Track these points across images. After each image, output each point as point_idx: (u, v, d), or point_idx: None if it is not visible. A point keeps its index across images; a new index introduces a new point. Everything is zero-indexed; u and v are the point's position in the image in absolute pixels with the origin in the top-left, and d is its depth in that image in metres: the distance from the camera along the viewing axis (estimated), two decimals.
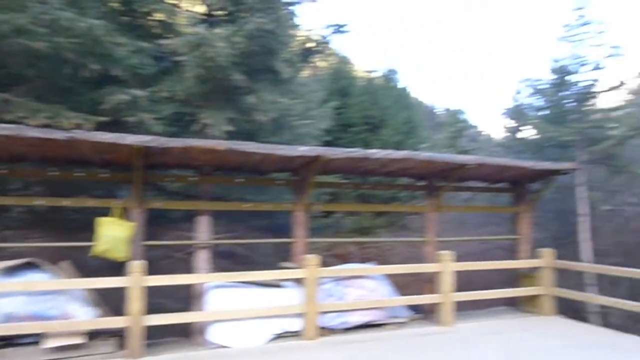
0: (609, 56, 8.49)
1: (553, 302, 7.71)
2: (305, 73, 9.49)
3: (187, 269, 6.79)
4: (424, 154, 6.78)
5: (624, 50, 8.66)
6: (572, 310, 8.40)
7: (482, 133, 15.85)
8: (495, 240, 10.28)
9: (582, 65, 8.86)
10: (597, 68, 8.74)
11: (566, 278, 8.54)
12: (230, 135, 6.57)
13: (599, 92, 9.13)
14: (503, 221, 10.16)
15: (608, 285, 8.86)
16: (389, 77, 18.86)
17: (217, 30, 5.81)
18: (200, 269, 6.52)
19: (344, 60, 17.96)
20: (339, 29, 7.85)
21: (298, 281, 6.40)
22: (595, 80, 8.83)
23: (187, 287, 6.49)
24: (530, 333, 6.68)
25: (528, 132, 10.57)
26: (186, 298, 6.60)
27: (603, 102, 9.54)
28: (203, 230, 6.54)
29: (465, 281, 8.86)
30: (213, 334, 5.93)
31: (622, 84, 8.56)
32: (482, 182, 8.78)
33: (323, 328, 6.36)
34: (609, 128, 8.08)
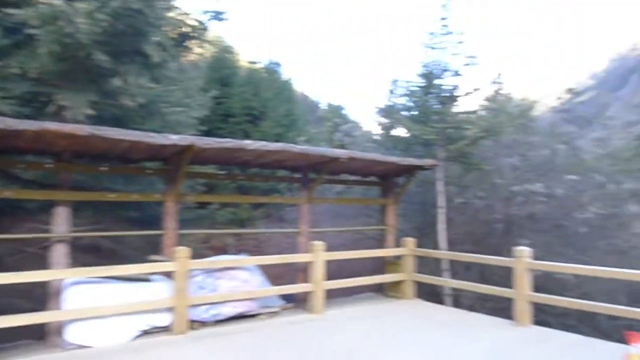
0: (466, 64, 9.43)
1: (414, 287, 8.39)
2: (183, 59, 9.11)
3: (43, 264, 6.18)
4: (298, 147, 6.92)
5: (480, 60, 9.69)
6: (431, 294, 9.23)
7: (360, 129, 16.59)
8: (367, 231, 10.87)
9: (445, 71, 9.71)
10: (456, 74, 9.64)
11: (427, 264, 9.36)
12: (95, 120, 6.08)
13: (459, 97, 10.09)
14: (375, 213, 10.79)
15: (462, 270, 9.86)
16: (273, 69, 18.89)
17: (78, 5, 5.31)
18: (57, 265, 5.96)
19: (226, 49, 17.58)
20: (217, 15, 7.67)
21: (168, 274, 6.18)
22: (456, 86, 9.75)
23: (44, 285, 5.92)
24: (392, 316, 7.21)
25: (399, 130, 11.31)
26: (43, 297, 6.02)
27: (462, 105, 10.57)
28: (61, 223, 5.98)
29: (338, 270, 9.29)
30: (71, 334, 5.50)
31: (476, 90, 9.55)
32: (355, 176, 9.23)
33: (194, 321, 6.23)
34: (465, 129, 8.96)
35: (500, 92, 15.27)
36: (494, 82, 12.44)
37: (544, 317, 8.65)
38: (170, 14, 7.41)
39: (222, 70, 15.94)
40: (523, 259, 6.59)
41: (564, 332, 6.48)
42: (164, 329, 6.02)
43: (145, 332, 5.95)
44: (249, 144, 6.33)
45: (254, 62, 19.04)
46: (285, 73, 23.42)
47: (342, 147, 10.60)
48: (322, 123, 16.18)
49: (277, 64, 19.46)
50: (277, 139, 13.95)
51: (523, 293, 6.54)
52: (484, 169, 9.13)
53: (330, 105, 26.40)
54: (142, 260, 6.61)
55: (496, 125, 8.88)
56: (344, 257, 8.12)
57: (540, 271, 7.86)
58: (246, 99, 15.40)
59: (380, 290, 8.87)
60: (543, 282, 8.61)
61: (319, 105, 32.59)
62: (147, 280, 6.32)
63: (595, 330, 8.27)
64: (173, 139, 5.73)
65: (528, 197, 8.60)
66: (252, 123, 15.07)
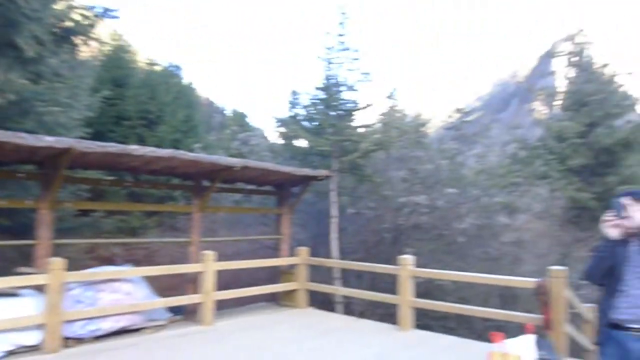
0: (360, 81, 9.86)
1: (307, 295, 8.50)
2: (70, 56, 8.47)
3: None
4: (189, 154, 6.73)
5: (376, 77, 10.18)
6: (325, 302, 9.43)
7: (263, 137, 16.56)
8: (264, 240, 10.86)
9: (341, 85, 10.05)
10: (352, 89, 10.03)
11: (321, 273, 9.55)
12: None
13: (354, 111, 10.51)
14: (272, 222, 10.82)
15: (354, 278, 10.18)
16: (173, 72, 18.27)
17: None
18: None
19: (122, 49, 16.67)
20: (107, 12, 7.26)
21: (40, 288, 5.65)
22: (351, 100, 10.14)
23: None
24: (283, 325, 7.24)
25: (300, 141, 11.47)
26: None
27: (358, 119, 11.01)
28: None
29: (234, 280, 9.16)
30: None
31: (369, 105, 10.00)
32: (251, 185, 9.19)
33: (69, 338, 5.77)
34: (358, 142, 9.33)
35: (395, 108, 16.17)
36: (389, 98, 13.13)
37: (427, 321, 9.21)
38: (55, 7, 6.88)
39: (117, 70, 15.08)
40: (407, 266, 6.95)
41: (443, 335, 6.94)
42: (33, 348, 5.50)
43: (11, 353, 5.39)
44: (135, 149, 6.03)
45: (153, 64, 18.26)
46: (186, 77, 22.78)
47: (239, 155, 10.50)
48: (223, 130, 15.92)
49: (178, 67, 18.90)
50: (175, 145, 13.48)
51: (406, 299, 6.89)
52: (375, 180, 9.57)
53: (235, 112, 26.12)
54: (11, 273, 6.01)
55: (387, 139, 9.36)
56: (235, 266, 8.02)
57: (423, 278, 8.40)
58: (142, 101, 14.69)
59: (275, 299, 8.87)
60: (427, 288, 9.21)
61: (224, 112, 32.11)
62: (14, 295, 5.74)
63: (471, 331, 8.97)
64: (48, 140, 5.30)
65: (414, 208, 9.17)
66: (147, 127, 14.39)
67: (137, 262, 9.22)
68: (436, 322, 9.29)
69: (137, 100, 14.60)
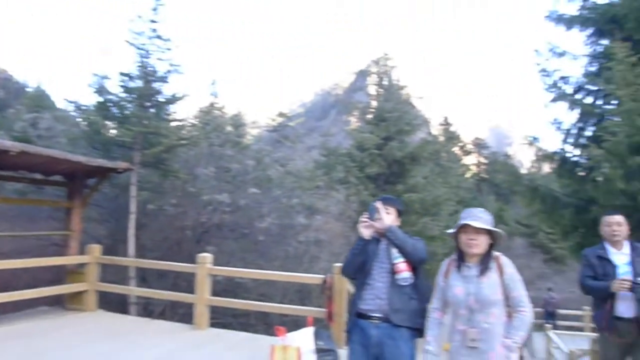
0: (169, 72, 9.45)
1: (97, 297, 7.82)
2: None
3: None
4: None
5: (192, 70, 9.88)
6: (120, 304, 8.81)
7: (63, 122, 14.76)
8: (54, 236, 9.68)
9: (151, 75, 9.51)
10: (162, 80, 9.56)
11: (119, 273, 8.90)
12: None
13: (167, 103, 10.04)
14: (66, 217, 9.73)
15: (155, 277, 9.73)
16: None
17: None
18: None
19: None
20: None
21: None
22: (160, 91, 9.65)
23: None
24: (67, 330, 6.55)
25: (105, 129, 10.51)
26: None
27: (171, 112, 10.55)
28: None
29: (8, 281, 7.93)
30: None
31: (181, 98, 9.63)
32: (36, 173, 8.11)
33: None
34: (164, 136, 8.94)
35: (216, 105, 16.01)
36: (210, 95, 12.91)
37: (229, 319, 9.31)
38: None
39: None
40: (205, 265, 6.88)
41: (236, 332, 7.05)
42: None
43: None
44: None
45: None
46: None
47: (24, 140, 9.19)
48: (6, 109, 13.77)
49: None
50: None
51: (203, 298, 6.82)
52: (180, 176, 9.29)
53: (37, 90, 23.01)
54: None
55: (197, 135, 9.17)
56: (8, 266, 6.96)
57: (222, 276, 8.44)
58: None
59: (60, 302, 7.96)
60: (228, 286, 9.29)
61: (27, 89, 28.12)
62: None
63: (269, 327, 9.33)
64: None
65: (217, 207, 9.16)
66: None
67: None
68: (237, 319, 9.44)
69: None
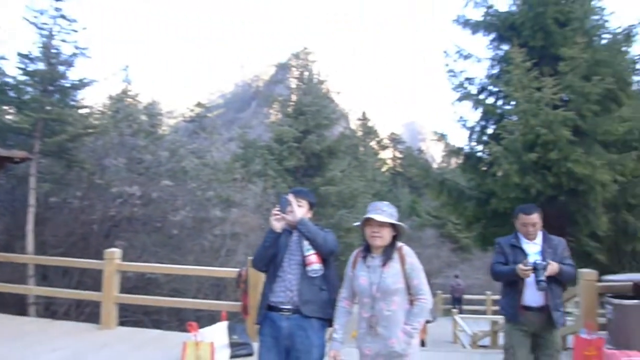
0: (75, 55, 8.82)
1: None
2: None
3: None
4: None
5: (91, 53, 9.18)
6: (17, 305, 8.13)
7: None
8: None
9: (54, 57, 8.82)
10: (67, 64, 8.90)
11: (14, 271, 8.20)
12: None
13: (73, 88, 9.35)
14: None
15: (60, 275, 9.07)
16: None
17: None
18: None
19: None
20: None
21: None
22: (65, 76, 8.98)
23: None
24: None
25: (3, 114, 9.56)
26: None
27: (79, 98, 9.86)
28: None
29: None
30: None
31: (85, 83, 9.01)
32: None
33: None
34: (68, 123, 8.33)
35: (128, 92, 15.21)
36: (123, 82, 12.22)
37: (140, 316, 8.92)
38: None
39: None
40: (113, 260, 6.53)
41: (147, 330, 6.79)
42: None
43: None
44: None
45: None
46: None
47: None
48: None
49: None
50: None
51: (110, 295, 6.48)
52: (86, 167, 8.71)
53: None
54: None
55: (106, 123, 8.65)
56: None
57: (133, 272, 8.07)
58: None
59: None
60: (139, 282, 8.91)
61: None
62: None
63: (182, 323, 9.06)
64: None
65: (128, 199, 8.72)
66: None
67: None
68: (149, 317, 9.07)
69: None
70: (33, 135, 8.37)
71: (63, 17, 8.63)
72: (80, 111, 9.21)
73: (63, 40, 8.65)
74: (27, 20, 8.82)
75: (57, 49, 8.92)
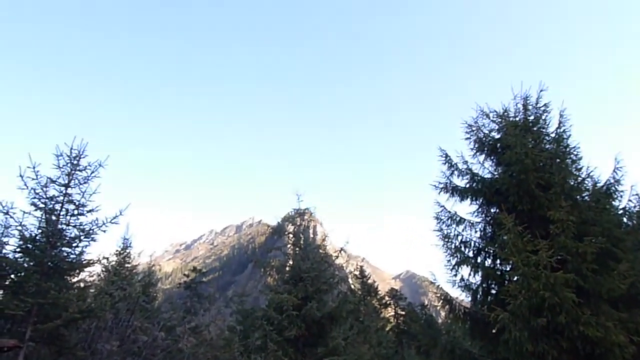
0: (79, 238, 9.00)
1: None
2: None
3: None
4: None
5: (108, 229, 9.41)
6: None
7: None
8: None
9: (57, 238, 9.00)
10: (69, 245, 9.03)
11: None
12: None
13: (73, 269, 9.34)
14: None
15: None
16: None
17: None
18: None
19: None
20: None
21: None
22: (65, 257, 9.05)
23: None
24: None
25: None
26: None
27: (74, 277, 9.79)
28: None
29: None
30: None
31: (85, 264, 9.06)
32: None
33: None
34: (64, 307, 8.13)
35: (126, 264, 15.17)
36: (120, 254, 12.27)
37: None
38: None
39: None
40: None
41: None
42: None
43: None
44: None
45: None
46: None
47: None
48: None
49: None
50: None
51: None
52: (78, 354, 8.26)
53: None
54: None
55: (102, 305, 8.45)
56: None
57: None
58: None
59: None
60: None
61: None
62: None
63: None
64: None
65: None
66: None
67: None
68: None
69: None
70: (26, 321, 8.10)
71: (72, 202, 9.03)
72: (76, 292, 9.06)
73: (67, 224, 8.92)
74: (35, 205, 9.23)
75: (61, 230, 9.17)
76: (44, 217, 9.15)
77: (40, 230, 9.00)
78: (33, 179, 9.11)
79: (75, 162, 9.69)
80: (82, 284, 9.80)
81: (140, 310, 10.83)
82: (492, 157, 11.31)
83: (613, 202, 10.45)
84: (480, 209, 10.87)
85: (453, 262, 10.33)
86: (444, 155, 11.53)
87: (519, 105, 11.45)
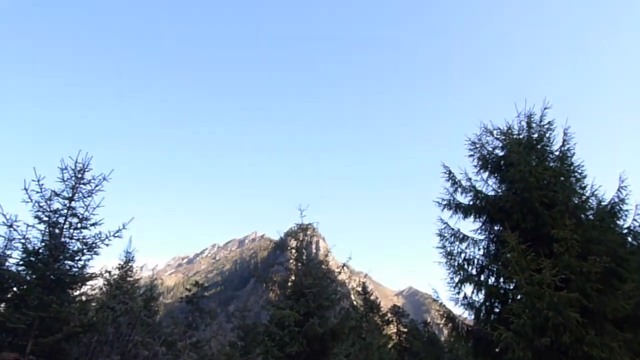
0: (82, 252, 9.03)
1: None
2: None
3: None
4: None
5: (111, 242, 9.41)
6: None
7: None
8: None
9: (60, 252, 9.01)
10: (72, 259, 9.05)
11: None
12: None
13: (75, 282, 9.34)
14: None
15: None
16: None
17: None
18: None
19: None
20: None
21: None
22: (68, 271, 9.06)
23: None
24: None
25: None
26: None
27: (76, 289, 9.78)
28: None
29: None
30: None
31: (87, 277, 9.07)
32: None
33: None
34: (65, 321, 8.11)
35: (128, 278, 15.13)
36: (122, 268, 12.25)
37: None
38: None
39: None
40: None
41: None
42: None
43: None
44: None
45: None
46: None
47: None
48: None
49: None
50: None
51: None
52: None
53: None
54: None
55: (103, 319, 8.43)
56: None
57: None
58: None
59: None
60: None
61: None
62: None
63: None
64: None
65: None
66: None
67: None
68: None
69: None
70: (27, 334, 8.08)
71: (75, 215, 9.07)
72: (79, 306, 9.06)
73: (71, 237, 8.95)
74: (39, 218, 9.26)
75: (64, 243, 9.20)
76: (47, 230, 9.19)
77: (43, 244, 9.03)
78: (37, 192, 9.20)
79: (79, 175, 9.78)
80: (84, 298, 9.82)
81: (142, 325, 10.78)
82: (496, 175, 11.34)
83: (617, 221, 10.42)
84: (483, 227, 10.85)
85: (456, 279, 10.28)
86: (448, 172, 11.56)
87: (523, 123, 11.50)
